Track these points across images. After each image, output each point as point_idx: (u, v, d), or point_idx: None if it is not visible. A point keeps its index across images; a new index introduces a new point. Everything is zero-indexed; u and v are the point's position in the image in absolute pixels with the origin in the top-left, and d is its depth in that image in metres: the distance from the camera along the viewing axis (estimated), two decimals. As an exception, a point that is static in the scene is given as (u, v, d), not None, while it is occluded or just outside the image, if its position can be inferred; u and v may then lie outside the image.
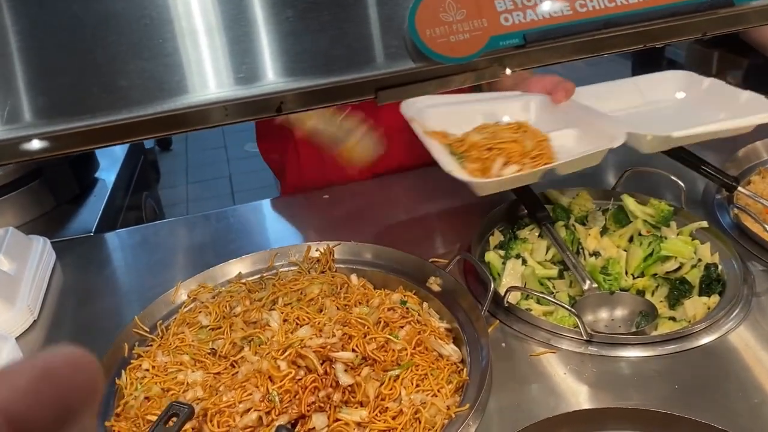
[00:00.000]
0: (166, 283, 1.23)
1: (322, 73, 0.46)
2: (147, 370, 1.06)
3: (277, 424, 0.87)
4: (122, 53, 0.42)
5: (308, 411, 0.90)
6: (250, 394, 0.91)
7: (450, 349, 1.04)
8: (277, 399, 0.90)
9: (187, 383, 1.02)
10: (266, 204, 1.58)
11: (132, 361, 1.07)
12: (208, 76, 0.43)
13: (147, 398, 0.99)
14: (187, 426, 0.90)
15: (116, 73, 0.42)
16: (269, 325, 1.10)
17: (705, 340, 1.00)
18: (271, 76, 0.45)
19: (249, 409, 0.89)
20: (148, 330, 1.13)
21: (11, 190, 1.64)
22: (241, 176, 5.36)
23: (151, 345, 1.11)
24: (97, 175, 1.86)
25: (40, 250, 1.36)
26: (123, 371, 1.05)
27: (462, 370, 1.01)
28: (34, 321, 1.22)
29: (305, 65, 0.45)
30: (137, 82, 0.42)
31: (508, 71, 0.53)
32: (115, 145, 0.53)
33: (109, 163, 1.94)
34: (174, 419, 0.85)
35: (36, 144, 0.47)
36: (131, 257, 1.44)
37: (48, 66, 0.41)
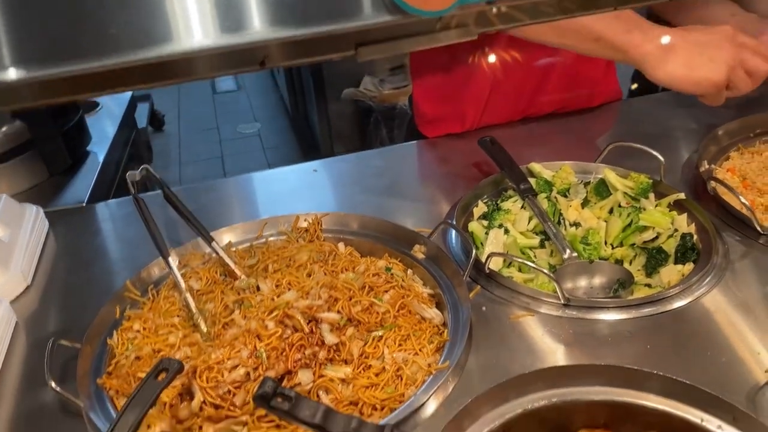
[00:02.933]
0: (157, 252, 1.26)
1: (303, 25, 0.48)
2: (138, 331, 1.09)
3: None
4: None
5: (294, 367, 0.93)
6: (238, 352, 0.94)
7: (432, 313, 1.07)
8: (264, 355, 0.93)
9: (178, 345, 1.05)
10: (256, 176, 1.61)
11: (123, 322, 1.10)
12: (192, 24, 0.45)
13: (138, 358, 1.02)
14: (176, 382, 0.94)
15: (98, 20, 0.44)
16: (259, 290, 1.13)
17: (678, 304, 1.03)
18: (257, 26, 0.47)
19: (237, 366, 0.93)
20: (139, 294, 1.16)
21: (4, 160, 1.65)
22: (233, 157, 5.38)
23: (142, 308, 1.14)
24: (89, 148, 1.87)
25: (33, 218, 1.38)
26: (114, 332, 1.08)
27: (443, 332, 1.04)
28: (28, 286, 1.25)
29: (288, 16, 0.48)
30: (119, 30, 0.44)
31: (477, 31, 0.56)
32: (93, 96, 0.55)
33: (100, 138, 1.96)
34: (164, 374, 0.88)
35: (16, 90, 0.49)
36: (123, 227, 1.46)
37: (29, 11, 0.43)
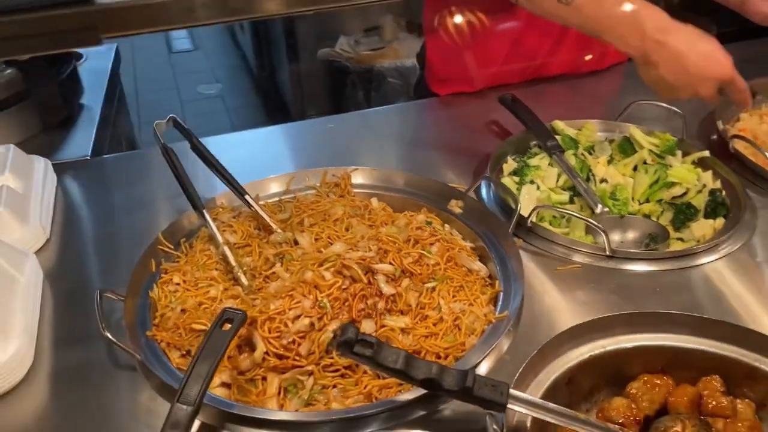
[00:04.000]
0: (178, 206, 1.22)
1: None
2: (178, 284, 1.06)
3: (329, 328, 0.90)
4: None
5: (358, 317, 0.92)
6: (299, 302, 0.93)
7: (478, 265, 1.08)
8: (328, 305, 0.92)
9: (219, 298, 1.03)
10: (275, 130, 1.57)
11: (162, 275, 1.07)
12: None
13: (183, 310, 1.00)
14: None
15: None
16: (298, 243, 1.11)
17: (719, 254, 1.08)
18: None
19: (300, 316, 0.91)
20: (172, 247, 1.13)
21: (-4, 110, 1.56)
22: (195, 118, 5.22)
23: (178, 261, 1.11)
24: (81, 101, 1.79)
25: (43, 170, 1.32)
26: (154, 285, 1.05)
27: (492, 284, 1.05)
28: (47, 239, 1.20)
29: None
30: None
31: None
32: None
33: (92, 90, 1.86)
34: (227, 325, 0.86)
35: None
36: (131, 181, 1.39)
37: None
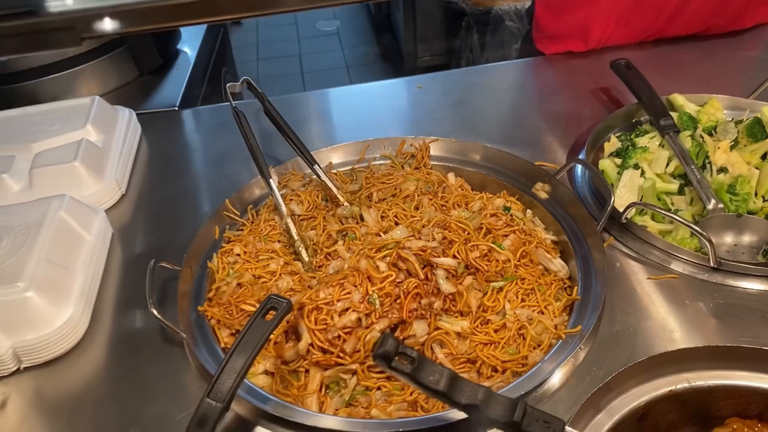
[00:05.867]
0: (252, 168, 1.18)
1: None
2: (238, 255, 1.02)
3: (377, 327, 0.83)
4: None
5: (410, 317, 0.85)
6: (348, 293, 0.87)
7: (558, 264, 0.96)
8: (377, 302, 0.85)
9: (279, 272, 0.99)
10: (354, 89, 1.48)
11: (223, 244, 1.04)
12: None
13: (239, 285, 0.96)
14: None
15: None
16: (363, 220, 1.05)
17: None
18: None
19: (347, 309, 0.85)
20: (238, 214, 1.09)
21: (94, 57, 1.58)
22: (311, 56, 5.22)
23: (242, 230, 1.08)
24: (178, 47, 1.78)
25: (126, 122, 1.32)
26: (214, 255, 1.02)
27: (571, 287, 0.94)
28: (122, 195, 1.20)
29: None
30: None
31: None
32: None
33: (190, 36, 1.85)
34: (272, 313, 0.81)
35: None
36: (215, 138, 1.37)
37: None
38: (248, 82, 1.16)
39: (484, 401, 0.70)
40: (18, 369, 0.89)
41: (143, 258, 1.06)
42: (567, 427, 0.69)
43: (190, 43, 1.80)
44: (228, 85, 1.15)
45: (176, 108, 1.51)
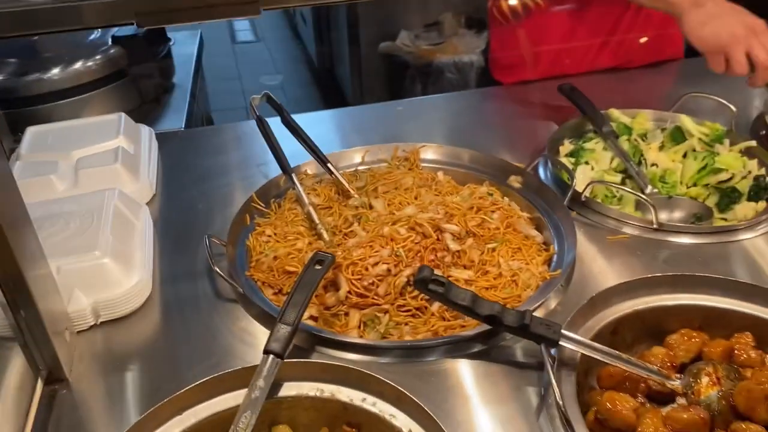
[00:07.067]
0: (263, 172, 1.39)
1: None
2: (270, 236, 1.21)
3: (404, 273, 1.04)
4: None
5: (429, 266, 1.06)
6: (378, 251, 1.07)
7: (535, 232, 1.20)
8: (403, 254, 1.06)
9: (305, 249, 1.18)
10: (349, 111, 1.72)
11: (256, 227, 1.23)
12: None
13: (275, 257, 1.15)
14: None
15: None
16: (373, 208, 1.26)
17: (758, 232, 1.18)
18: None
19: (378, 262, 1.06)
20: (263, 206, 1.28)
21: (100, 86, 1.75)
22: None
23: (269, 217, 1.26)
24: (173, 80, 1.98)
25: (148, 136, 1.50)
26: (250, 235, 1.21)
27: (546, 249, 1.18)
28: (154, 194, 1.37)
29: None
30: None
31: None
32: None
33: (180, 71, 2.05)
34: (318, 265, 1.01)
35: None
36: (224, 150, 1.55)
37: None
38: (268, 96, 1.37)
39: (500, 312, 0.92)
40: (95, 323, 1.04)
41: (182, 242, 1.23)
42: (563, 330, 0.91)
43: (182, 76, 2.00)
44: (251, 97, 1.35)
45: (182, 128, 1.69)
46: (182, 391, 0.84)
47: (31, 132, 1.42)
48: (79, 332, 1.03)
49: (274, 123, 1.37)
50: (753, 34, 1.34)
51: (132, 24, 0.62)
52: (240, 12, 0.64)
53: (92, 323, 1.04)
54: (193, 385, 0.85)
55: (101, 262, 1.04)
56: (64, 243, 1.07)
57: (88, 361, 0.99)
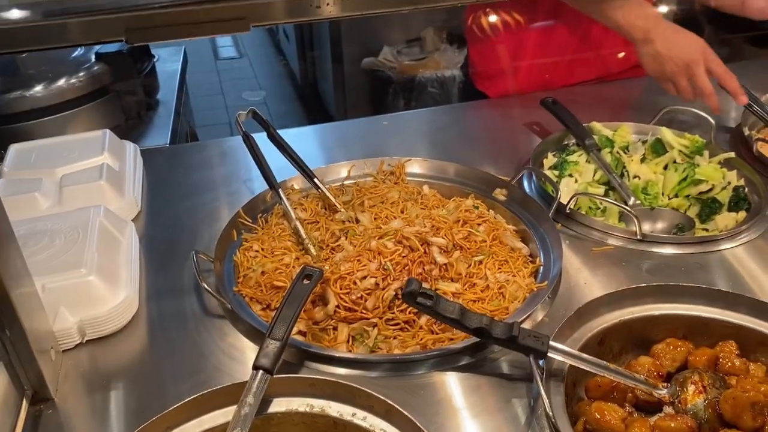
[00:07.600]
0: (249, 188, 1.39)
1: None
2: (257, 251, 1.21)
3: (392, 287, 1.04)
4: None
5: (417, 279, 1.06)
6: (365, 265, 1.08)
7: (521, 244, 1.22)
8: (391, 267, 1.06)
9: (292, 264, 1.18)
10: (336, 126, 1.72)
11: (243, 242, 1.22)
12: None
13: (263, 273, 1.15)
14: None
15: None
16: (359, 222, 1.26)
17: (740, 241, 1.20)
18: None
19: (366, 276, 1.06)
20: (250, 221, 1.28)
21: (84, 103, 1.75)
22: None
23: (256, 232, 1.26)
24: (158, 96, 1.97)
25: (133, 153, 1.49)
26: (237, 251, 1.20)
27: (532, 261, 1.19)
28: (139, 211, 1.36)
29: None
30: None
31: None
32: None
33: (164, 88, 2.05)
34: (306, 280, 1.01)
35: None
36: (208, 166, 1.55)
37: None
38: (254, 112, 1.38)
39: (488, 325, 0.92)
40: (81, 342, 1.03)
41: (168, 258, 1.23)
42: (551, 341, 0.92)
43: (166, 92, 2.00)
44: (237, 113, 1.36)
45: (167, 144, 1.69)
46: (170, 409, 0.84)
47: (14, 149, 1.41)
48: (64, 351, 1.02)
49: (260, 138, 1.37)
50: (698, 63, 1.47)
51: (121, 41, 0.62)
52: (229, 28, 0.65)
53: (78, 341, 1.02)
54: (181, 402, 0.84)
55: (87, 280, 1.03)
56: (49, 260, 1.07)
57: (74, 380, 0.98)
